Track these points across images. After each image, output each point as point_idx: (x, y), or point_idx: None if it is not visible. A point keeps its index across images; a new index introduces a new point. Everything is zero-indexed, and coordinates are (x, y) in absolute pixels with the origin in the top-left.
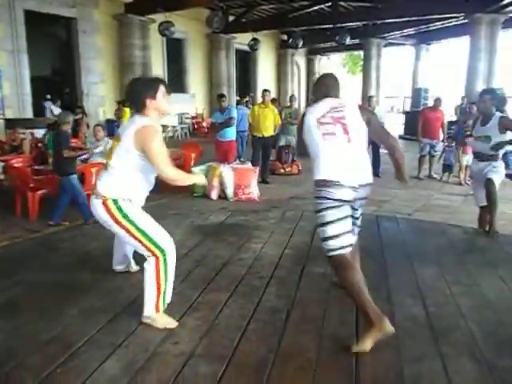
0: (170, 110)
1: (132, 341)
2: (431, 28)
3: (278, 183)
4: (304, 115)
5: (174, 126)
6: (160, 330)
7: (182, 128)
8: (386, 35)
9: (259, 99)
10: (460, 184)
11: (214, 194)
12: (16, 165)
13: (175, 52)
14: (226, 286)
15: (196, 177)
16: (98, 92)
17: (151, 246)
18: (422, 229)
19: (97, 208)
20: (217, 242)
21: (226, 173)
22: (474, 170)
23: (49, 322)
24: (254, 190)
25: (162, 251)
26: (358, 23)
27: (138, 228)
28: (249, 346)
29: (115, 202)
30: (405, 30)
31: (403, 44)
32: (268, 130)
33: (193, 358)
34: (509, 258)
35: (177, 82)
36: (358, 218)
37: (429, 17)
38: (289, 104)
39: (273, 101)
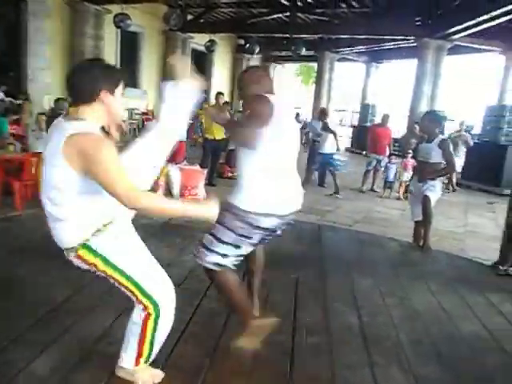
0: (121, 115)
1: (64, 340)
2: (382, 48)
3: (224, 186)
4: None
5: (123, 121)
6: (94, 328)
7: (130, 123)
8: (339, 50)
9: (212, 101)
10: (399, 199)
11: (160, 193)
12: None
13: (129, 46)
14: None
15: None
16: (44, 78)
17: (141, 297)
18: (360, 240)
19: (79, 264)
20: (159, 242)
21: (174, 172)
22: (412, 185)
23: None
24: (200, 192)
25: (155, 305)
26: (314, 36)
27: (122, 273)
28: (185, 349)
29: (84, 246)
30: (357, 47)
31: (355, 60)
32: (220, 133)
33: None
34: (439, 272)
35: (129, 77)
36: None
37: (380, 37)
38: (241, 108)
39: (225, 104)
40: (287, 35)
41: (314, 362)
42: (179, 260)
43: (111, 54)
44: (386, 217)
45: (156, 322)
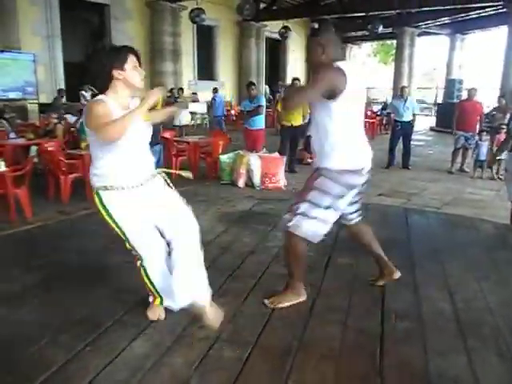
0: (139, 84)
1: (159, 323)
2: (467, 17)
3: (304, 173)
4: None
5: (202, 114)
6: (186, 313)
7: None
8: (420, 24)
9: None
10: (492, 179)
11: (241, 182)
12: (49, 149)
13: (205, 39)
14: (252, 274)
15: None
16: None
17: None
18: (451, 223)
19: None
20: (243, 229)
21: (254, 161)
22: (507, 162)
23: (79, 302)
24: (280, 179)
25: (139, 257)
26: (392, 12)
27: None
28: (273, 333)
29: (97, 193)
30: (440, 19)
31: (438, 33)
32: (297, 120)
33: (218, 342)
34: None
35: (206, 70)
36: None
37: (465, 5)
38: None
39: None
40: (362, 14)
41: (405, 347)
42: (263, 246)
43: (188, 48)
44: (479, 198)
45: (144, 269)
